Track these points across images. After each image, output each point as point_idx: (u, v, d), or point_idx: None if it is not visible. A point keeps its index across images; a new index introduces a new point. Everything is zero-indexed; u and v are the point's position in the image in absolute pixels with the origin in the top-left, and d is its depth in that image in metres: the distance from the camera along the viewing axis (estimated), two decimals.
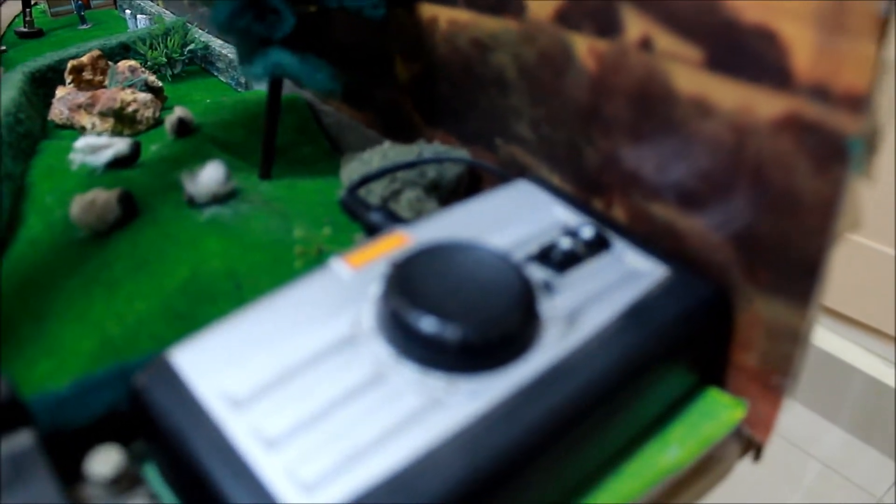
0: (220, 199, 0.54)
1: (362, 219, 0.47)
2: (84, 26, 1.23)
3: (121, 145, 0.62)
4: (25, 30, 1.17)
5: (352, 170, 0.54)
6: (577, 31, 0.44)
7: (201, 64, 0.99)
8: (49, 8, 1.29)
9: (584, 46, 0.44)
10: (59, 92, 0.81)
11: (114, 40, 0.95)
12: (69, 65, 0.84)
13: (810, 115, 0.34)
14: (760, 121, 0.36)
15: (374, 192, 0.51)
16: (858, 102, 0.32)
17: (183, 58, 0.95)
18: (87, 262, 0.51)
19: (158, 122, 0.77)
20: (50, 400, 0.38)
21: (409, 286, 0.34)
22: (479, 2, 0.51)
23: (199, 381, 0.33)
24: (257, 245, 0.49)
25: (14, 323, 0.46)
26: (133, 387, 0.34)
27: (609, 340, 0.35)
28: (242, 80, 0.90)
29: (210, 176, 0.54)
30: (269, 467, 0.30)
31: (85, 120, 0.77)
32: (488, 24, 0.51)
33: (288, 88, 0.77)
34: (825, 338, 1.30)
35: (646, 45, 0.40)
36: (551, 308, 0.36)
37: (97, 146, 0.61)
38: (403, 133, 0.64)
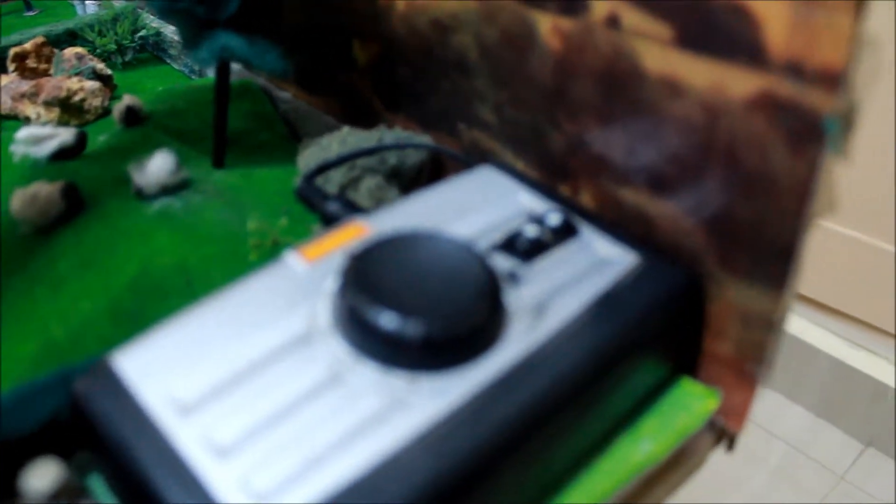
0: (169, 189, 0.52)
1: (319, 208, 0.45)
2: (30, 13, 1.18)
3: (65, 135, 0.59)
4: None
5: (309, 156, 0.52)
6: (541, 9, 0.43)
7: (153, 51, 0.96)
8: None
9: (548, 25, 0.42)
10: (2, 80, 0.78)
11: (60, 27, 0.91)
12: (11, 52, 0.80)
13: (784, 93, 0.32)
14: (733, 100, 0.35)
15: (333, 180, 0.49)
16: (834, 79, 0.31)
17: (133, 45, 0.92)
18: (29, 259, 0.48)
19: (107, 112, 0.74)
20: None
21: (367, 280, 0.32)
22: None
23: (144, 385, 0.31)
24: (209, 238, 0.47)
25: None
26: (73, 393, 0.32)
27: (578, 332, 0.34)
28: (196, 67, 0.87)
29: (159, 166, 0.52)
30: (221, 477, 0.28)
31: (29, 110, 0.73)
32: (448, 4, 0.49)
33: (241, 74, 0.75)
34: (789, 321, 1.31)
35: (613, 22, 0.39)
36: (517, 299, 0.34)
37: (40, 136, 0.58)
38: (363, 119, 0.62)
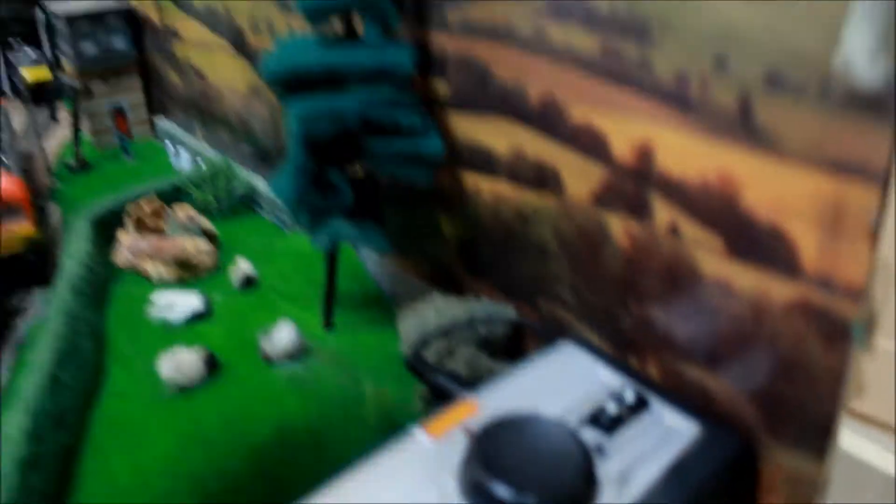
0: (293, 356, 0.61)
1: (428, 380, 0.53)
2: (128, 158, 1.30)
3: (197, 304, 0.69)
4: (74, 164, 1.25)
5: (409, 325, 0.61)
6: (612, 212, 0.52)
7: (246, 202, 1.06)
8: (95, 140, 1.36)
9: (619, 227, 0.51)
10: (123, 238, 0.88)
11: (166, 183, 1.03)
12: (131, 212, 0.91)
13: (817, 301, 0.41)
14: (775, 303, 0.43)
15: (431, 348, 0.57)
16: (858, 293, 0.38)
17: (229, 198, 1.03)
18: (177, 417, 0.57)
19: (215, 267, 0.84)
20: None
21: (488, 458, 0.40)
22: (520, 177, 0.59)
23: None
24: (332, 402, 0.55)
25: (116, 476, 0.52)
26: None
27: (656, 500, 0.41)
28: (286, 219, 0.97)
29: (284, 336, 0.61)
30: None
31: (149, 265, 0.84)
32: (529, 198, 0.58)
33: None
34: None
35: (674, 231, 0.47)
36: (605, 470, 0.42)
37: (174, 303, 0.68)
38: (447, 282, 0.71)
